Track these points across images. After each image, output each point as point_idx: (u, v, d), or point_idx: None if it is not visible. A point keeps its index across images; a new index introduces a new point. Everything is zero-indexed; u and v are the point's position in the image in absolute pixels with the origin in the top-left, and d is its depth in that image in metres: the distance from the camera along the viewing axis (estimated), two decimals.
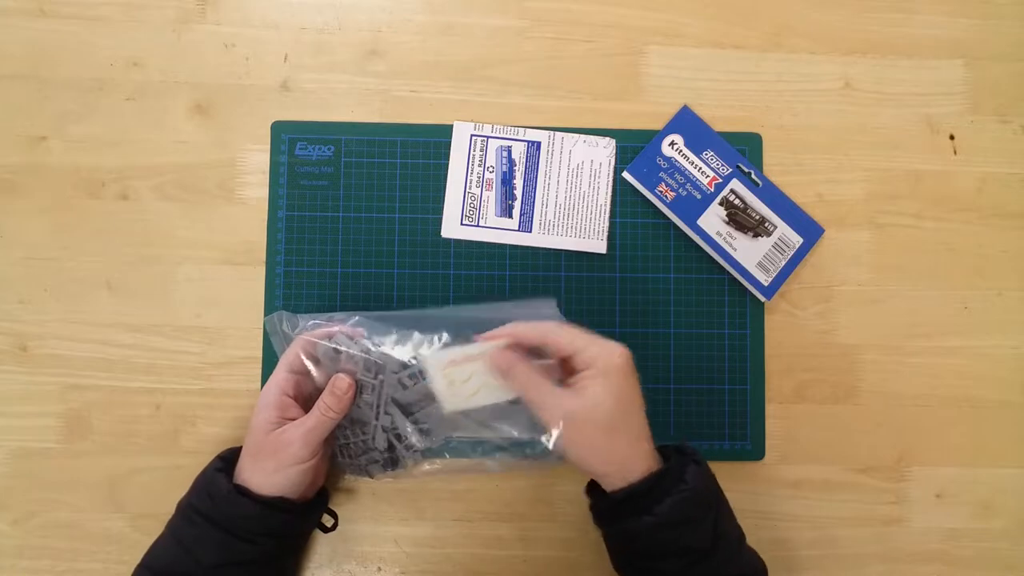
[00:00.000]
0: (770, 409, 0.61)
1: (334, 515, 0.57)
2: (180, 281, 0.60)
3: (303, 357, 0.53)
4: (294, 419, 0.52)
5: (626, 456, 0.49)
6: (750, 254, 0.61)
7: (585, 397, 0.48)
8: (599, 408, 0.48)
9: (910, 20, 0.64)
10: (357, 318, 0.56)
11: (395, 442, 0.54)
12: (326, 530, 0.57)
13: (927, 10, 0.64)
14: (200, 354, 0.60)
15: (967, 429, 0.62)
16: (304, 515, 0.53)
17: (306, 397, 0.54)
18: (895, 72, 0.64)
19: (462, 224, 0.61)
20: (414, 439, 0.54)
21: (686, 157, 0.61)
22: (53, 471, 0.59)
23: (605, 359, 0.49)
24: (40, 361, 0.60)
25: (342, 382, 0.52)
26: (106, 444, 0.59)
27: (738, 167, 0.61)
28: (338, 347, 0.54)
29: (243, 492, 0.50)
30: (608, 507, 0.50)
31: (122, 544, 0.59)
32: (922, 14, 0.64)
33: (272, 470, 0.50)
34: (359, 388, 0.53)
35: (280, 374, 0.53)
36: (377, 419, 0.54)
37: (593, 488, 0.52)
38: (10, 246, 0.60)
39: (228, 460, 0.53)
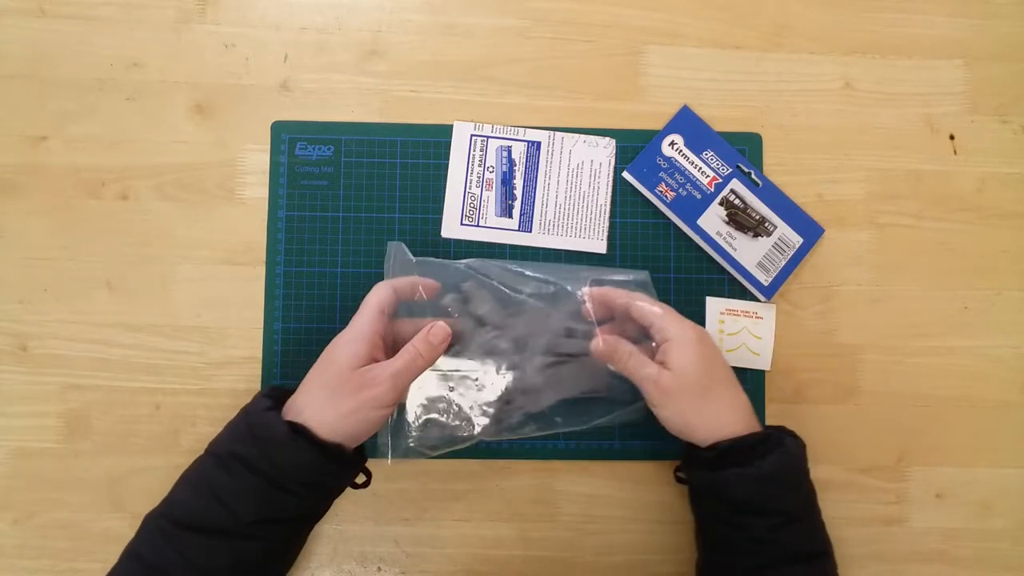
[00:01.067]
0: (770, 409, 0.61)
1: (368, 473, 0.54)
2: (180, 281, 0.60)
3: (399, 297, 0.52)
4: (378, 360, 0.49)
5: (725, 419, 0.51)
6: (750, 254, 0.61)
7: (673, 367, 0.51)
8: (688, 375, 0.50)
9: (910, 20, 0.64)
10: (473, 262, 0.57)
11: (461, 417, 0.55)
12: (357, 487, 0.53)
13: (927, 10, 0.64)
14: (200, 354, 0.60)
15: (967, 429, 0.62)
16: (351, 469, 0.51)
17: (387, 344, 0.52)
18: (895, 72, 0.64)
19: (462, 224, 0.61)
20: (481, 423, 0.55)
21: (686, 157, 0.61)
22: (53, 471, 0.59)
23: (679, 332, 0.51)
24: (40, 361, 0.60)
25: (440, 331, 0.50)
26: (106, 444, 0.59)
27: (738, 167, 0.61)
28: (442, 302, 0.54)
29: (300, 432, 0.46)
30: (708, 459, 0.50)
31: (122, 544, 0.58)
32: (922, 14, 0.64)
33: (348, 411, 0.47)
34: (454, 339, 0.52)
35: (374, 312, 0.50)
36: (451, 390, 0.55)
37: (688, 456, 0.54)
38: (10, 246, 0.60)
39: (275, 399, 0.49)
